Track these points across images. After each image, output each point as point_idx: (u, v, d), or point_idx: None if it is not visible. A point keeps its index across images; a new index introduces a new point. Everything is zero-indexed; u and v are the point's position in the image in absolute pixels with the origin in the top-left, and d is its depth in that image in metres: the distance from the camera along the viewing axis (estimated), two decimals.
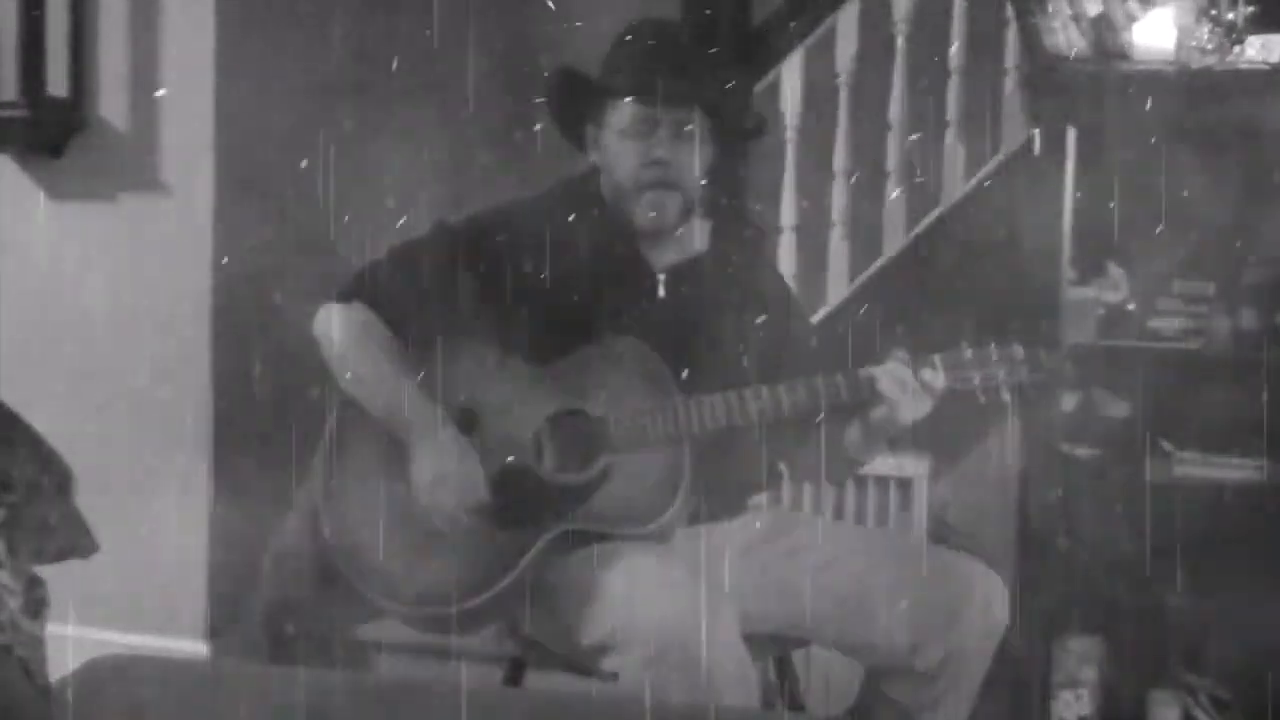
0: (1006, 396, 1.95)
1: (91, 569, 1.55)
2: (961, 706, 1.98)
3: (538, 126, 2.25)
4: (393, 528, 1.95)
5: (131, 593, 2.66)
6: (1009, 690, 2.66)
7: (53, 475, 1.46)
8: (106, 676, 1.58)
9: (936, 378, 1.91)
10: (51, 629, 1.41)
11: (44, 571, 1.42)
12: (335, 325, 2.02)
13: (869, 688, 2.03)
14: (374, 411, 1.98)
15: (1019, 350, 1.95)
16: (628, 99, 1.98)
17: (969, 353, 1.94)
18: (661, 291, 2.06)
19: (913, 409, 1.91)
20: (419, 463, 1.93)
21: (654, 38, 2.02)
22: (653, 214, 2.00)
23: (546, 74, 2.08)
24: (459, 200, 3.31)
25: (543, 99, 2.09)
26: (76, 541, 1.47)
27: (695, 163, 2.01)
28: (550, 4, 3.38)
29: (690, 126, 1.99)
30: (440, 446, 1.92)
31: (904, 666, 1.94)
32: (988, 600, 1.95)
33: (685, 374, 1.96)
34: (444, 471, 1.91)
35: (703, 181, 2.05)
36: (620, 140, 2.00)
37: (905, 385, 1.90)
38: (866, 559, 1.99)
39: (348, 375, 2.00)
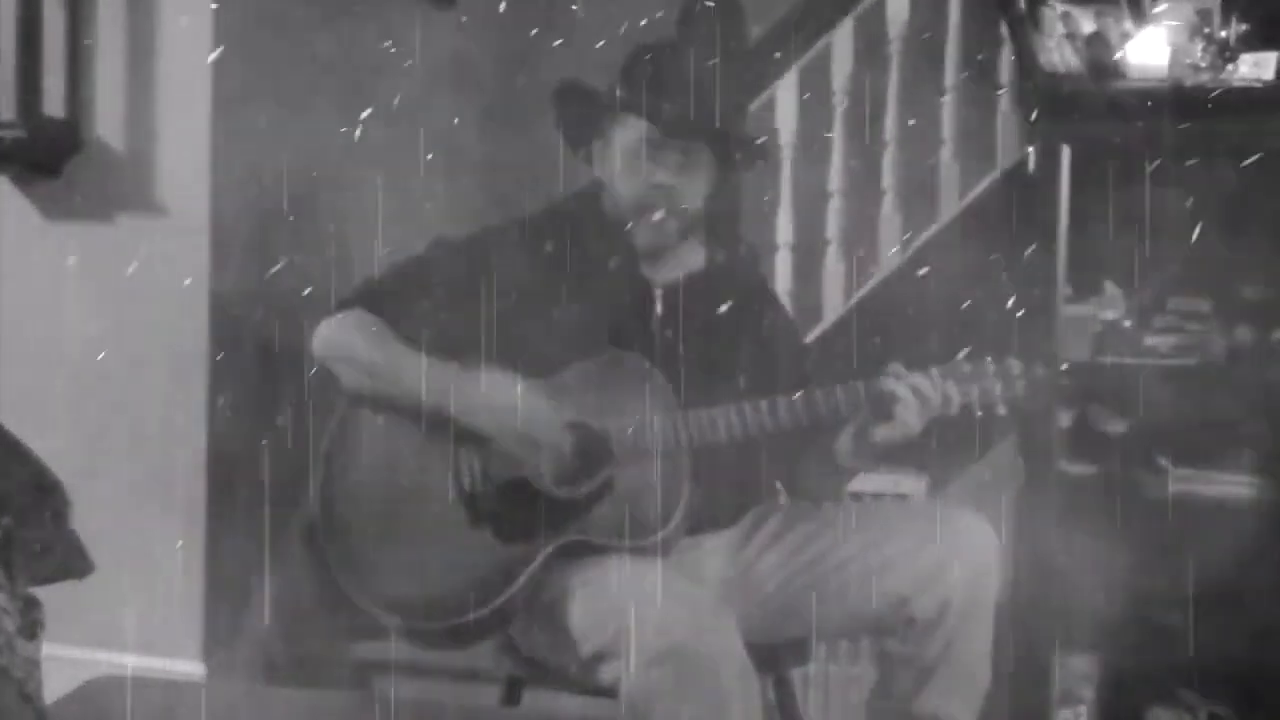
0: (1002, 410, 1.96)
1: (87, 590, 1.55)
2: (976, 662, 1.99)
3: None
4: (392, 541, 1.95)
5: (128, 613, 2.66)
6: (1008, 708, 2.65)
7: (48, 496, 1.46)
8: (103, 698, 1.58)
9: (936, 388, 1.92)
10: (48, 650, 1.40)
11: (40, 593, 1.42)
12: (338, 333, 2.02)
13: (883, 659, 2.05)
14: (394, 393, 1.96)
15: (1015, 364, 1.97)
16: (635, 119, 1.99)
17: (966, 366, 1.96)
18: (659, 308, 2.07)
19: (912, 419, 1.92)
20: (474, 414, 1.91)
21: (663, 61, 2.03)
22: (649, 235, 2.03)
23: (555, 87, 2.09)
24: (458, 217, 3.33)
25: (553, 111, 2.10)
26: (72, 562, 1.47)
27: (697, 188, 2.03)
28: (575, 5, 3.38)
29: (696, 153, 2.01)
30: (493, 375, 1.92)
31: (904, 618, 1.95)
32: (977, 544, 1.97)
33: (683, 388, 1.97)
34: (513, 390, 1.91)
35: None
36: (625, 160, 2.01)
37: (906, 394, 1.92)
38: (844, 527, 2.01)
39: (362, 372, 1.99)
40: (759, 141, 2.14)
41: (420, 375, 1.95)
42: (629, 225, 2.04)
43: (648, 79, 2.00)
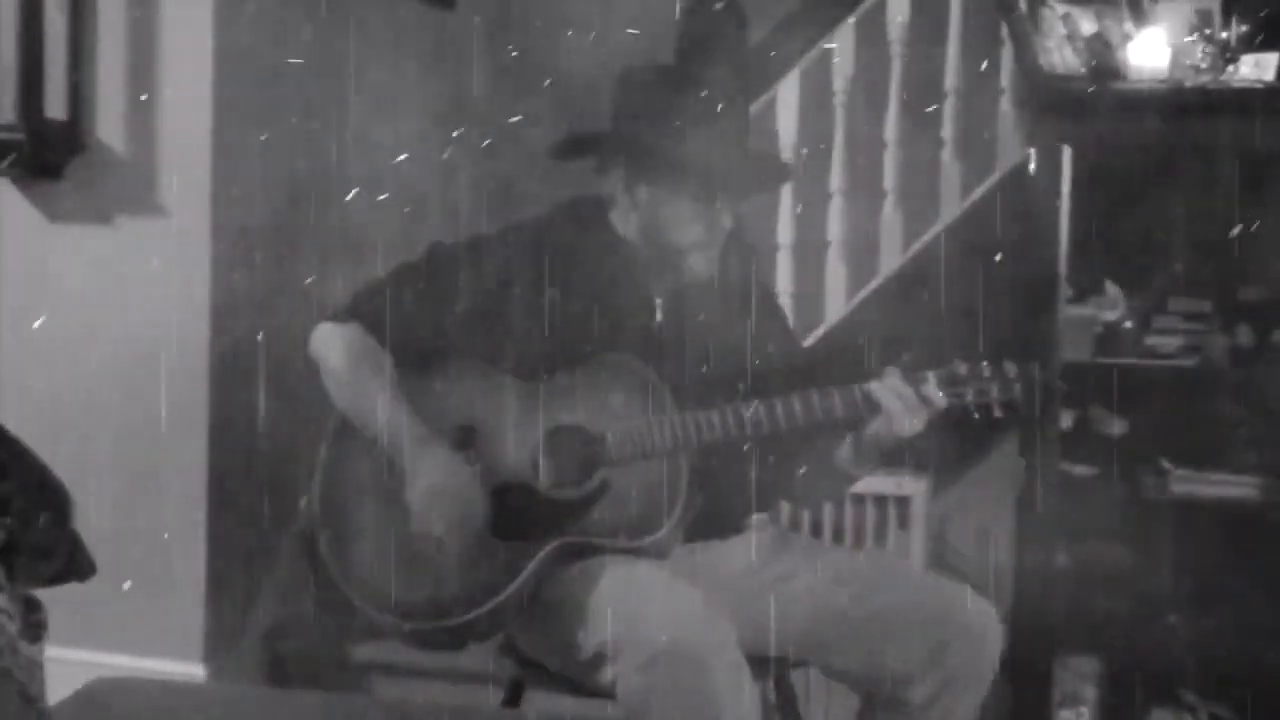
0: (999, 413, 1.96)
1: (89, 591, 1.55)
2: None
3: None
4: (390, 544, 1.95)
5: (129, 615, 2.66)
6: (1009, 710, 2.66)
7: (50, 498, 1.46)
8: (105, 699, 1.58)
9: (932, 392, 1.92)
10: (50, 652, 1.40)
11: (42, 594, 1.42)
12: (330, 345, 2.03)
13: (864, 716, 2.03)
14: (368, 430, 1.99)
15: (1011, 367, 1.96)
16: (693, 181, 1.99)
17: (963, 369, 1.96)
18: (659, 315, 2.07)
19: (909, 423, 1.92)
20: (414, 481, 1.92)
21: (710, 118, 2.00)
22: (707, 266, 2.04)
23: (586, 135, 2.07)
24: (456, 222, 3.33)
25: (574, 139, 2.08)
26: (74, 564, 1.47)
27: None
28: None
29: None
30: (435, 465, 1.93)
31: (898, 698, 1.95)
32: (981, 632, 1.95)
33: (682, 393, 1.97)
34: (439, 489, 1.91)
35: None
36: (679, 206, 2.00)
37: (902, 398, 1.92)
38: (859, 588, 1.99)
39: (342, 394, 2.01)
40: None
41: (384, 421, 1.95)
42: (677, 259, 2.03)
43: (713, 144, 1.98)
